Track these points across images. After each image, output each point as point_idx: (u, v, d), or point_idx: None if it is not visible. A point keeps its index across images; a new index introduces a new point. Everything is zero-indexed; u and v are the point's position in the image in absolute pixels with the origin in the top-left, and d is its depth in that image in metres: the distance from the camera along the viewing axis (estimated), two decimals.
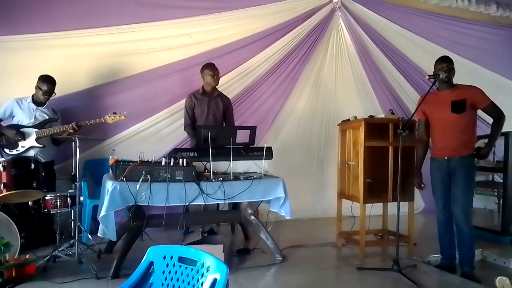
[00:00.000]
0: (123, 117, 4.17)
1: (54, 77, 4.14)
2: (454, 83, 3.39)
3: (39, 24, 4.37)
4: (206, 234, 4.46)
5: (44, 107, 4.15)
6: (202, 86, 4.56)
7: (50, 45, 4.44)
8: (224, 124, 4.64)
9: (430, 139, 3.60)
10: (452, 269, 3.45)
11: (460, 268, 3.38)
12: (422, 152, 3.60)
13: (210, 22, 4.90)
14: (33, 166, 3.32)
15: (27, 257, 1.74)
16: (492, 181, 5.27)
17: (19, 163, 3.31)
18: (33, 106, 4.09)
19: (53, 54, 4.49)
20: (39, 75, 4.06)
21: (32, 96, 4.12)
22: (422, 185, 3.56)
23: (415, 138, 3.96)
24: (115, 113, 4.14)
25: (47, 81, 4.05)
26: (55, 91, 4.12)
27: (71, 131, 3.99)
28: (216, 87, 4.61)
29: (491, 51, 5.81)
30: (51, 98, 4.14)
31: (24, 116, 4.05)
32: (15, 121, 4.05)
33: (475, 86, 3.33)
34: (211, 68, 4.46)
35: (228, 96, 4.78)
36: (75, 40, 4.51)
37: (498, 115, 3.29)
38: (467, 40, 5.63)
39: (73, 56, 4.57)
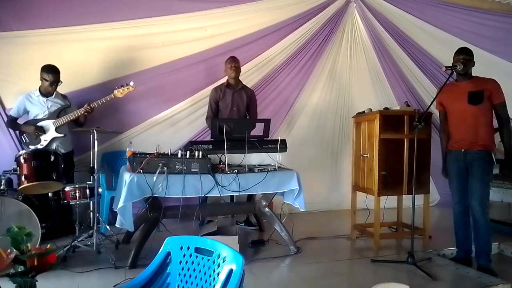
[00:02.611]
0: (131, 88, 4.13)
1: (70, 71, 4.20)
2: (473, 75, 3.34)
3: (56, 18, 4.42)
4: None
5: (53, 96, 4.16)
6: (227, 79, 4.60)
7: (66, 39, 4.50)
8: (247, 117, 4.67)
9: None
10: (468, 262, 3.43)
11: (476, 261, 3.35)
12: (447, 143, 3.53)
13: (224, 15, 4.90)
14: (53, 158, 3.38)
15: (47, 247, 1.79)
16: None
17: (40, 155, 3.37)
18: (42, 98, 4.10)
19: (70, 48, 4.55)
20: (42, 66, 4.04)
21: (39, 88, 4.11)
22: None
23: (430, 130, 3.93)
24: (122, 85, 4.12)
25: (51, 71, 4.03)
26: (61, 79, 4.11)
27: (86, 114, 4.05)
28: (240, 80, 4.66)
29: (510, 41, 5.68)
30: (58, 86, 4.14)
31: (38, 109, 4.09)
32: (30, 117, 4.10)
33: (494, 79, 3.27)
34: (229, 60, 4.54)
35: (252, 89, 4.81)
36: (91, 34, 4.56)
37: (507, 118, 3.25)
38: (485, 30, 5.51)
39: (89, 50, 4.62)
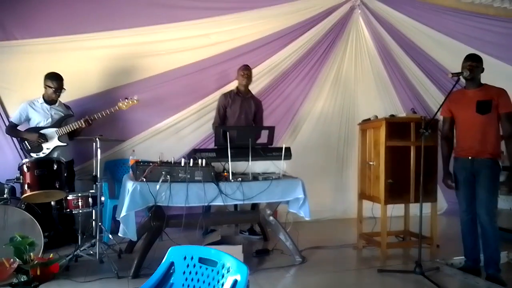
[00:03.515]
0: (135, 101, 4.15)
1: (73, 79, 4.20)
2: (482, 82, 3.30)
3: (59, 27, 4.42)
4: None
5: (57, 105, 4.17)
6: (237, 86, 4.61)
7: (70, 48, 4.50)
8: (254, 125, 4.67)
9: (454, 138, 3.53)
10: (476, 271, 3.37)
11: (485, 271, 3.29)
12: (448, 150, 3.50)
13: (228, 22, 4.89)
14: (55, 166, 3.37)
15: (50, 256, 1.77)
16: None
17: (42, 164, 3.37)
18: (46, 106, 4.10)
19: (72, 56, 4.54)
20: (45, 74, 4.05)
21: (43, 96, 4.12)
22: (452, 184, 3.43)
23: (437, 137, 3.89)
24: (126, 98, 4.13)
25: (55, 78, 4.04)
26: (64, 86, 4.10)
27: (84, 125, 4.03)
28: (250, 89, 4.68)
29: None
30: (61, 93, 4.13)
31: (41, 117, 4.08)
32: (32, 124, 4.08)
33: (503, 89, 3.23)
34: (242, 68, 4.58)
35: (260, 99, 4.81)
36: (94, 43, 4.56)
37: (511, 130, 3.18)
38: (491, 36, 5.47)
39: (92, 58, 4.62)
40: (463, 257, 3.52)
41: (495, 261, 3.23)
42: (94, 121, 4.09)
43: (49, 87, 4.05)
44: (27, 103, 4.09)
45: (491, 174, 3.21)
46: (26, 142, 4.04)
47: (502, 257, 3.38)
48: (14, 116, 4.10)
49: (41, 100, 4.11)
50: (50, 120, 4.10)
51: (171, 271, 1.72)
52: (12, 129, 4.10)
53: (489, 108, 3.18)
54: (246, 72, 4.53)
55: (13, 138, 4.27)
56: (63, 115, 4.18)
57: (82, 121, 4.02)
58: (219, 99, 4.63)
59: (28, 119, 4.10)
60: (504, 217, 4.74)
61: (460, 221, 3.46)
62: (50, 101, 4.13)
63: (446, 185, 3.50)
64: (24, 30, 4.36)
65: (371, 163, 3.94)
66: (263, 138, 3.96)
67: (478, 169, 3.24)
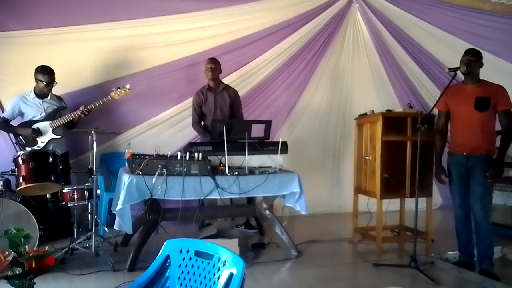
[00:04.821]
0: (128, 90, 4.12)
1: (68, 72, 4.17)
2: (480, 78, 3.30)
3: (54, 18, 4.39)
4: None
5: (49, 98, 4.12)
6: (207, 82, 4.57)
7: (65, 39, 4.46)
8: (232, 117, 4.61)
9: (448, 133, 3.53)
10: (470, 266, 3.40)
11: (478, 266, 3.32)
12: (441, 144, 3.53)
13: (225, 15, 4.86)
14: (51, 159, 3.36)
15: (46, 249, 1.76)
16: None
17: (38, 156, 3.35)
18: (38, 100, 4.06)
19: (68, 48, 4.51)
20: (36, 68, 4.00)
21: (34, 89, 4.07)
22: (446, 178, 3.46)
23: (433, 132, 3.89)
24: (119, 88, 4.10)
25: (46, 72, 3.99)
26: (56, 79, 4.06)
27: (82, 115, 4.01)
28: (222, 80, 4.62)
29: None
30: (53, 87, 4.09)
31: (34, 111, 4.04)
32: (26, 118, 4.04)
33: (502, 86, 3.23)
34: (207, 62, 4.50)
35: (235, 88, 4.73)
36: (90, 34, 4.53)
37: (509, 125, 3.18)
38: (487, 31, 5.46)
39: (88, 50, 4.59)
40: (457, 252, 3.55)
41: (488, 256, 3.25)
42: (90, 113, 4.06)
43: (40, 81, 4.00)
44: (19, 98, 4.04)
45: (486, 170, 3.21)
46: (20, 136, 4.01)
47: (495, 252, 3.41)
48: (6, 112, 4.07)
49: (33, 94, 4.06)
50: (43, 114, 4.07)
51: (167, 264, 1.71)
52: (5, 125, 4.06)
53: (487, 105, 3.18)
54: (209, 66, 4.44)
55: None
56: (56, 107, 4.14)
57: (79, 111, 3.98)
58: (193, 98, 4.58)
59: (21, 114, 4.07)
60: (498, 212, 4.77)
61: (454, 217, 3.49)
62: (41, 95, 4.08)
63: (439, 180, 3.52)
64: (20, 22, 4.32)
65: (367, 157, 3.95)
66: (260, 132, 3.96)
67: (473, 164, 3.25)
